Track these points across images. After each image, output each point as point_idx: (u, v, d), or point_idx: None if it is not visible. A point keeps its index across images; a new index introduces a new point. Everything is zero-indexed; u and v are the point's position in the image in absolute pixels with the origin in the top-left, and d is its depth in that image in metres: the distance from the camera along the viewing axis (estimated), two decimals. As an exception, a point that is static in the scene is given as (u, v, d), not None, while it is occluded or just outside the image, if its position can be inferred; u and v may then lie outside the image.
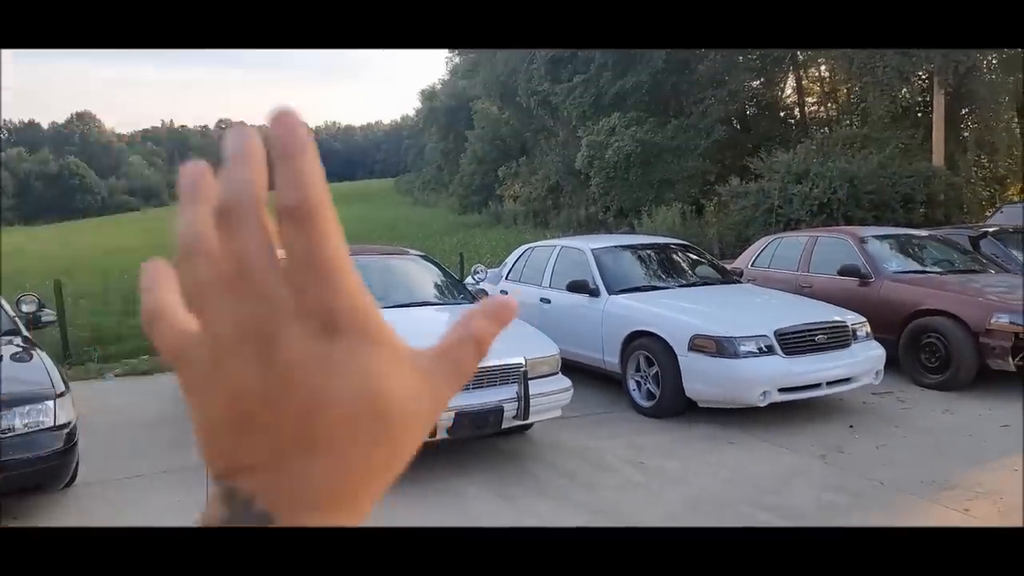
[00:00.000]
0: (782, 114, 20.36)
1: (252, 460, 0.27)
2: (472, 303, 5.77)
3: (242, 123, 0.29)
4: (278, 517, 0.27)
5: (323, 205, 0.26)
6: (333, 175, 70.56)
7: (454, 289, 5.98)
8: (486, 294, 6.27)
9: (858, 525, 3.56)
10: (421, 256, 6.43)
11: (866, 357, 5.32)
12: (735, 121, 19.35)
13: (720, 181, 15.50)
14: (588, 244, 6.78)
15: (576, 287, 6.23)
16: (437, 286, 5.97)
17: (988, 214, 10.81)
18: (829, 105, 19.32)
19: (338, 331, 0.27)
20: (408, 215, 34.07)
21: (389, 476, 0.29)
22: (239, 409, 0.27)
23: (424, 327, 5.07)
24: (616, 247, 6.81)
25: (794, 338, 5.14)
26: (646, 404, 5.54)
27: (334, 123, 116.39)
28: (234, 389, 0.27)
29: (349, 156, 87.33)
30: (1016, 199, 12.13)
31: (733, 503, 3.86)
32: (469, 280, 7.11)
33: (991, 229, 8.14)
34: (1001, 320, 5.54)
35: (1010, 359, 5.48)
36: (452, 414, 4.03)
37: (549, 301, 6.68)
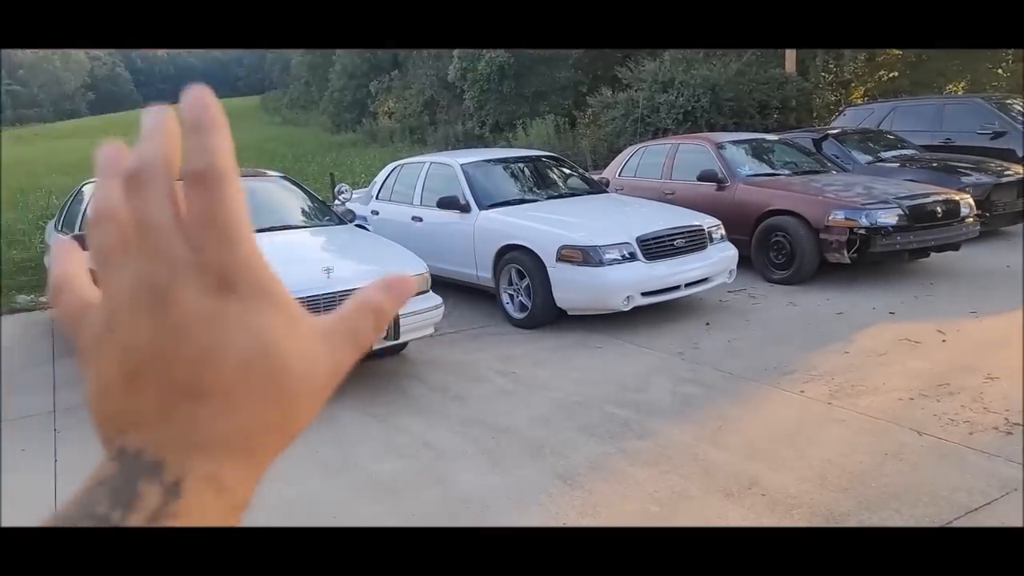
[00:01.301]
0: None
1: (140, 415, 0.28)
2: (340, 224, 5.56)
3: (159, 105, 0.30)
4: (169, 463, 0.27)
5: (227, 172, 0.28)
6: (190, 94, 64.43)
7: (318, 211, 5.72)
8: (353, 215, 6.05)
9: (704, 413, 3.85)
10: (281, 177, 6.09)
11: (721, 258, 5.64)
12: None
13: (592, 92, 15.55)
14: (457, 159, 6.64)
15: (447, 203, 6.14)
16: (299, 208, 5.69)
17: (833, 117, 11.56)
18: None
19: (234, 288, 0.28)
20: (277, 135, 32.01)
21: (285, 435, 0.30)
22: (129, 366, 0.28)
23: (288, 251, 4.83)
24: (485, 161, 6.72)
25: (655, 244, 5.34)
26: (519, 316, 5.64)
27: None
28: (125, 346, 0.28)
29: (207, 72, 79.92)
30: (860, 102, 13.04)
31: (597, 402, 4.05)
32: (336, 202, 6.82)
33: (833, 131, 8.71)
34: (838, 216, 6.01)
35: (845, 252, 5.99)
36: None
37: (421, 219, 6.56)
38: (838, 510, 2.84)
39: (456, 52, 18.58)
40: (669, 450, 3.44)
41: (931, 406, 3.73)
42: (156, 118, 0.29)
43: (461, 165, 6.42)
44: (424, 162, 7.06)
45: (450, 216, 6.18)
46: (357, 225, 6.01)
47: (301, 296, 3.98)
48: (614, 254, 5.17)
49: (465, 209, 6.08)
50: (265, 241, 4.79)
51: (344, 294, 4.29)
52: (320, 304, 4.07)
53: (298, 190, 5.92)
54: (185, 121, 0.28)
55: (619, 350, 4.95)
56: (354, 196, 7.30)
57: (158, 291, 0.27)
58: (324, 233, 5.33)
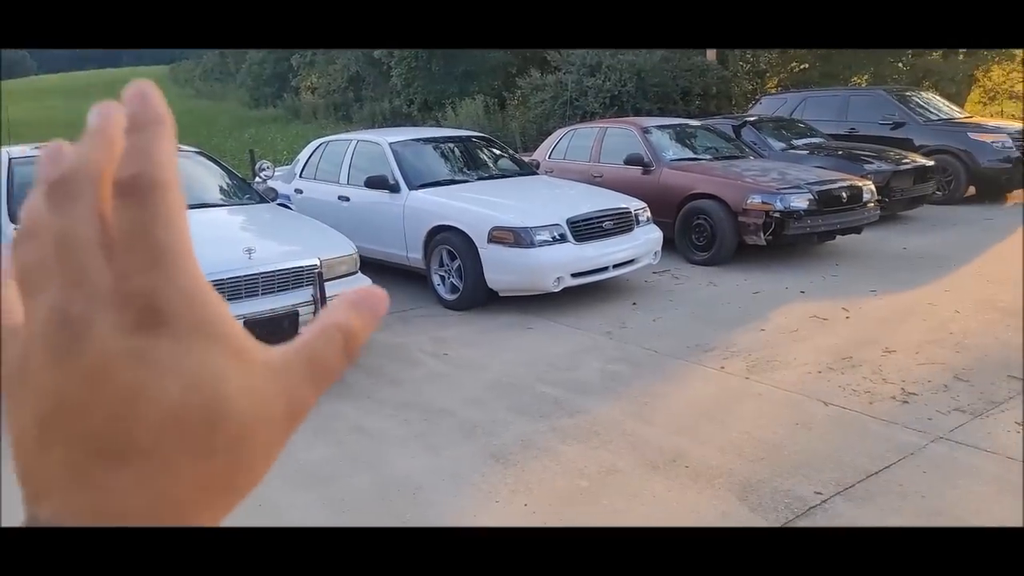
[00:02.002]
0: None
1: (51, 477, 0.23)
2: (261, 203, 5.39)
3: (108, 102, 0.25)
4: None
5: (162, 179, 0.23)
6: (93, 62, 60.50)
7: (237, 189, 5.52)
8: (275, 193, 5.88)
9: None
10: (196, 152, 5.82)
11: (646, 240, 5.81)
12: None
13: (521, 74, 15.59)
14: (385, 138, 6.55)
15: (375, 183, 6.05)
16: (216, 185, 5.47)
17: (750, 105, 12.03)
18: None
19: (163, 322, 0.23)
20: (190, 108, 30.50)
21: (233, 492, 0.25)
22: (40, 413, 0.23)
23: (206, 231, 4.63)
24: (415, 140, 6.65)
25: (584, 226, 5.46)
26: (451, 298, 5.65)
27: None
28: (36, 390, 0.23)
29: (111, 39, 74.83)
30: (774, 91, 13.62)
31: (529, 382, 4.13)
32: (257, 180, 6.60)
33: (751, 119, 9.09)
34: (755, 200, 6.30)
35: (762, 234, 6.29)
36: (240, 323, 3.82)
37: (348, 199, 6.45)
38: (754, 479, 3.03)
39: (381, 27, 18.15)
40: (598, 427, 3.56)
41: (836, 378, 4.00)
42: (100, 116, 0.25)
43: (390, 144, 6.34)
44: (351, 140, 6.92)
45: (379, 196, 6.10)
46: (280, 204, 5.85)
47: (220, 277, 3.86)
48: (545, 236, 5.24)
49: (394, 189, 6.02)
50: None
51: (267, 275, 4.21)
52: (241, 286, 3.97)
53: (215, 166, 5.69)
54: (125, 121, 0.24)
55: (550, 330, 5.06)
56: (276, 174, 7.08)
57: (72, 326, 0.23)
58: (244, 212, 5.17)
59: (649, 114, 12.03)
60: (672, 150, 7.38)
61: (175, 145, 0.25)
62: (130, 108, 0.24)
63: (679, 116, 10.79)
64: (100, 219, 0.24)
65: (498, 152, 7.17)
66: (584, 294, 5.64)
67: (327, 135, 7.92)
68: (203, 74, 38.39)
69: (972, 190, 9.11)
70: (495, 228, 5.30)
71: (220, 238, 4.52)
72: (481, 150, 7.08)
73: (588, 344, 4.74)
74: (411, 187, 5.98)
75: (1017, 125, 9.65)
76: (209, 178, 5.51)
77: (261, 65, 28.96)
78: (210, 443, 0.24)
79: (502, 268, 5.30)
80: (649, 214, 6.00)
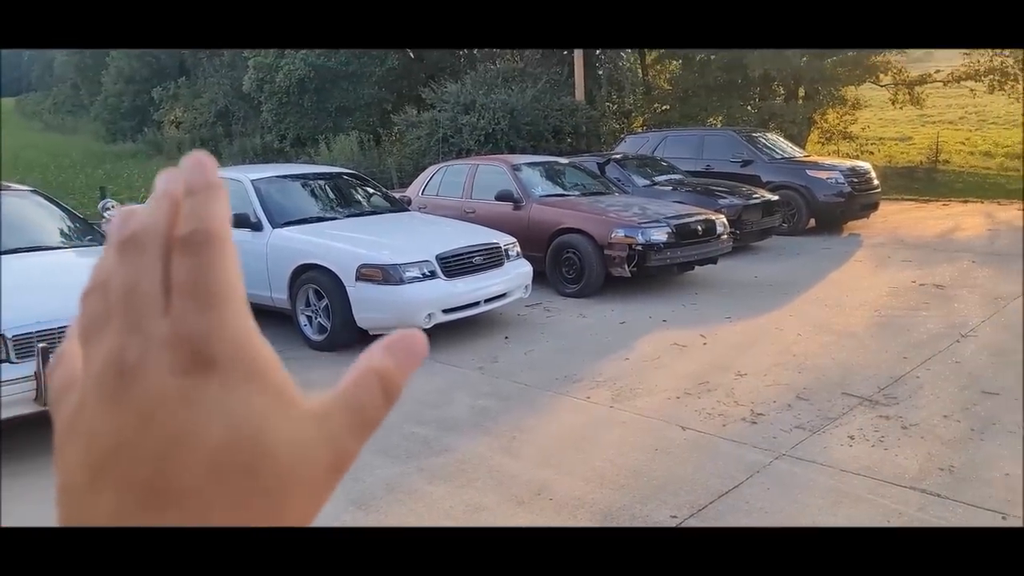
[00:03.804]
0: (454, 45, 21.02)
1: (96, 522, 0.24)
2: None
3: (171, 169, 0.27)
4: None
5: (216, 235, 0.25)
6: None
7: (78, 230, 5.11)
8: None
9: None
10: (31, 191, 5.36)
11: (517, 274, 5.90)
12: (408, 49, 19.47)
13: (396, 110, 15.60)
14: (247, 174, 6.30)
15: (236, 222, 5.77)
16: (57, 228, 5.04)
17: (616, 143, 12.67)
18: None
19: (213, 364, 0.24)
20: (36, 142, 28.11)
21: None
22: (92, 458, 0.24)
23: (43, 276, 4.24)
24: (279, 177, 6.46)
25: (454, 261, 5.46)
26: (318, 338, 5.46)
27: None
28: (90, 434, 0.24)
29: (-57, 66, 67.98)
30: (640, 130, 14.43)
31: (397, 423, 4.02)
32: (104, 219, 6.14)
33: (616, 156, 9.55)
34: (619, 234, 6.57)
35: (626, 266, 6.56)
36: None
37: (208, 238, 6.12)
38: (615, 506, 3.09)
39: (251, 62, 17.65)
40: (466, 464, 3.51)
41: (693, 403, 4.19)
42: (166, 181, 0.27)
43: (252, 181, 6.10)
44: (211, 177, 6.61)
45: (240, 234, 5.82)
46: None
47: (50, 327, 3.53)
48: (414, 272, 5.20)
49: (257, 227, 5.79)
50: (17, 264, 4.26)
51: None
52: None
53: (54, 207, 5.26)
54: (183, 186, 0.26)
55: (421, 368, 4.93)
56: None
57: (125, 369, 0.24)
58: (85, 255, 4.78)
59: (523, 151, 12.36)
60: (541, 186, 7.59)
61: (228, 204, 0.26)
62: (187, 175, 0.26)
63: (551, 153, 11.15)
64: (163, 271, 0.25)
65: (369, 189, 7.08)
66: (457, 329, 5.62)
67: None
68: (53, 106, 35.67)
69: (813, 222, 10.00)
70: (363, 265, 5.20)
71: (52, 284, 4.12)
72: (351, 187, 6.96)
73: (459, 380, 4.71)
74: (275, 225, 5.78)
75: (848, 163, 10.77)
76: (46, 220, 5.09)
77: (119, 98, 27.28)
78: (249, 487, 0.24)
79: (371, 306, 5.19)
80: (519, 249, 6.11)
